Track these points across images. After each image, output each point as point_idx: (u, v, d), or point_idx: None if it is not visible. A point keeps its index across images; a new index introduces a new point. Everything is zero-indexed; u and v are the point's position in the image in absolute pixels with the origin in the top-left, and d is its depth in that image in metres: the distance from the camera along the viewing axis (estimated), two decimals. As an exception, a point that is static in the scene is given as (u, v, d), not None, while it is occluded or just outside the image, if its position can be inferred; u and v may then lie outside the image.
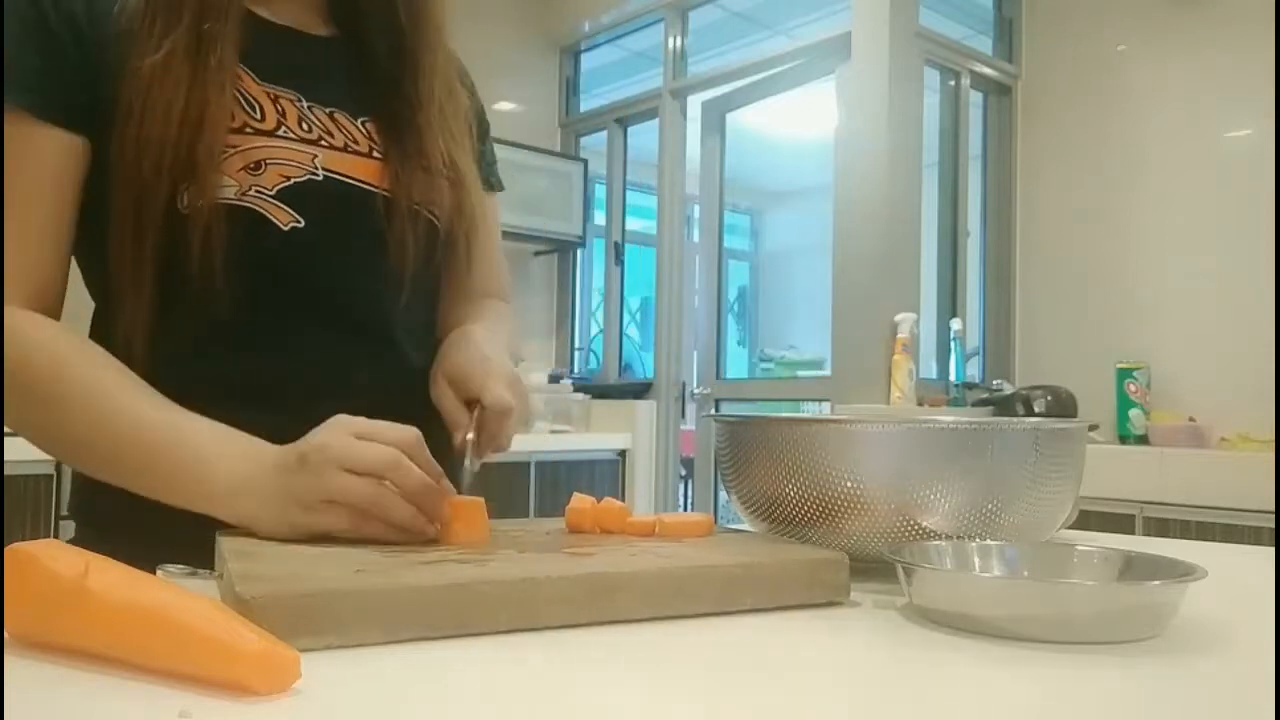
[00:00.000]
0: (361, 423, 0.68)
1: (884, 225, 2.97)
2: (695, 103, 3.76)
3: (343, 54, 0.89)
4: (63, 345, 0.75)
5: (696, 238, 4.00)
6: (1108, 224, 3.11)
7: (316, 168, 0.81)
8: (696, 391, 3.77)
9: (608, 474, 3.42)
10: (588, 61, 4.24)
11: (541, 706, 0.43)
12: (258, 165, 0.78)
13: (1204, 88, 2.92)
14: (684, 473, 4.02)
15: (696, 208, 3.95)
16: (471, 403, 0.79)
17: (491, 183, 1.03)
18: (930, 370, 3.27)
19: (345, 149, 0.84)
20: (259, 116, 0.80)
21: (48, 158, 0.76)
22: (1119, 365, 2.92)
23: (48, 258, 0.77)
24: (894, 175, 2.98)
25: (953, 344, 3.11)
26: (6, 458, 2.10)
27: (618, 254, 4.06)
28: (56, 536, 2.19)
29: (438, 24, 0.90)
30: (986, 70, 3.35)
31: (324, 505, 0.66)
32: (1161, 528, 2.43)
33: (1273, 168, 2.73)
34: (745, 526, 0.81)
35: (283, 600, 0.49)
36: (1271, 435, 2.60)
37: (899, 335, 2.91)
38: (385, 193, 0.85)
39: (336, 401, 0.74)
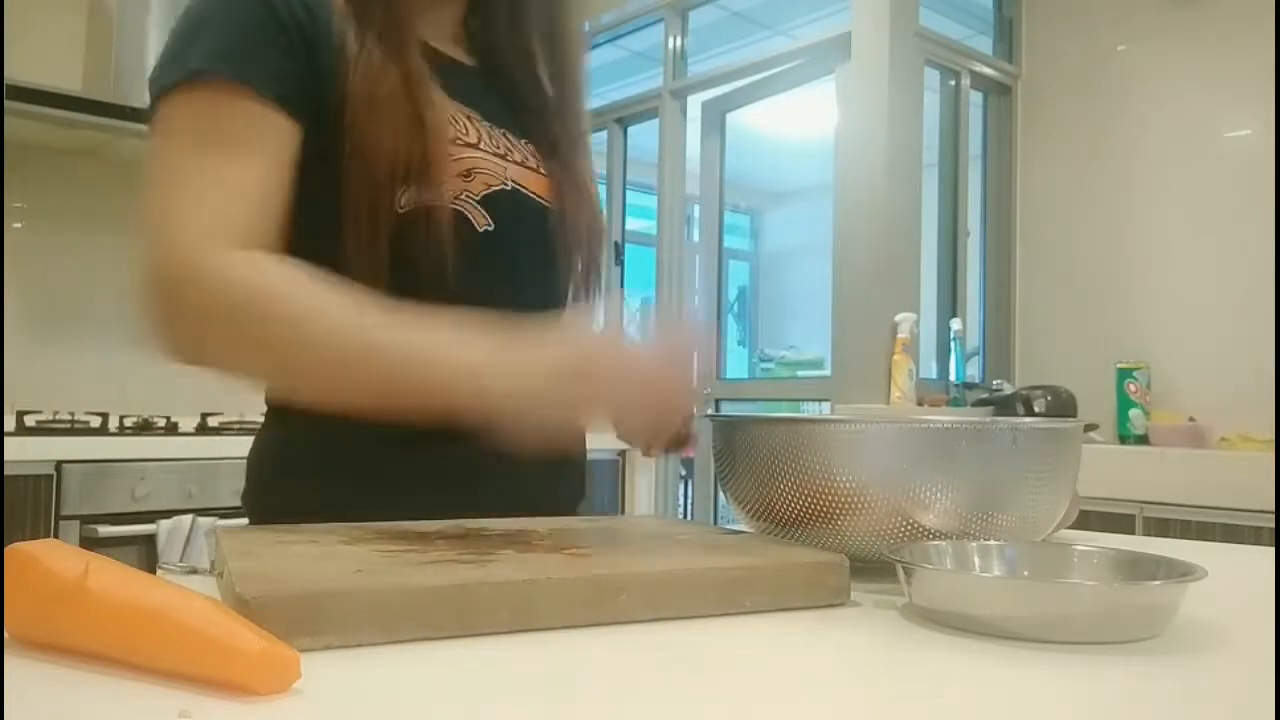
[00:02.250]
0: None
1: (884, 225, 2.97)
2: (695, 103, 3.75)
3: (491, 78, 0.97)
4: (295, 273, 0.75)
5: (696, 238, 4.00)
6: (1108, 224, 3.11)
7: (508, 180, 0.90)
8: (696, 391, 3.76)
9: (608, 474, 3.42)
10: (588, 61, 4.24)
11: (542, 708, 0.43)
12: (468, 173, 0.87)
13: (1204, 88, 2.92)
14: (684, 473, 4.02)
15: (696, 208, 3.95)
16: None
17: None
18: (930, 370, 3.26)
19: (523, 164, 0.93)
20: (464, 130, 0.88)
21: (271, 133, 0.80)
22: (1119, 365, 2.92)
23: (262, 217, 0.78)
24: (894, 175, 2.98)
25: (953, 344, 3.11)
26: (6, 458, 2.10)
27: (618, 254, 4.06)
28: (56, 536, 2.19)
29: (579, 62, 1.00)
30: (986, 70, 3.35)
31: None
32: (1161, 528, 2.43)
33: (1273, 168, 2.73)
34: (745, 527, 0.81)
35: (283, 600, 0.49)
36: (1271, 435, 2.60)
37: (899, 335, 2.91)
38: (554, 206, 0.94)
39: None
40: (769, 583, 0.62)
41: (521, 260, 0.92)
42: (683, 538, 0.73)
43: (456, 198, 0.85)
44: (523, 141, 0.95)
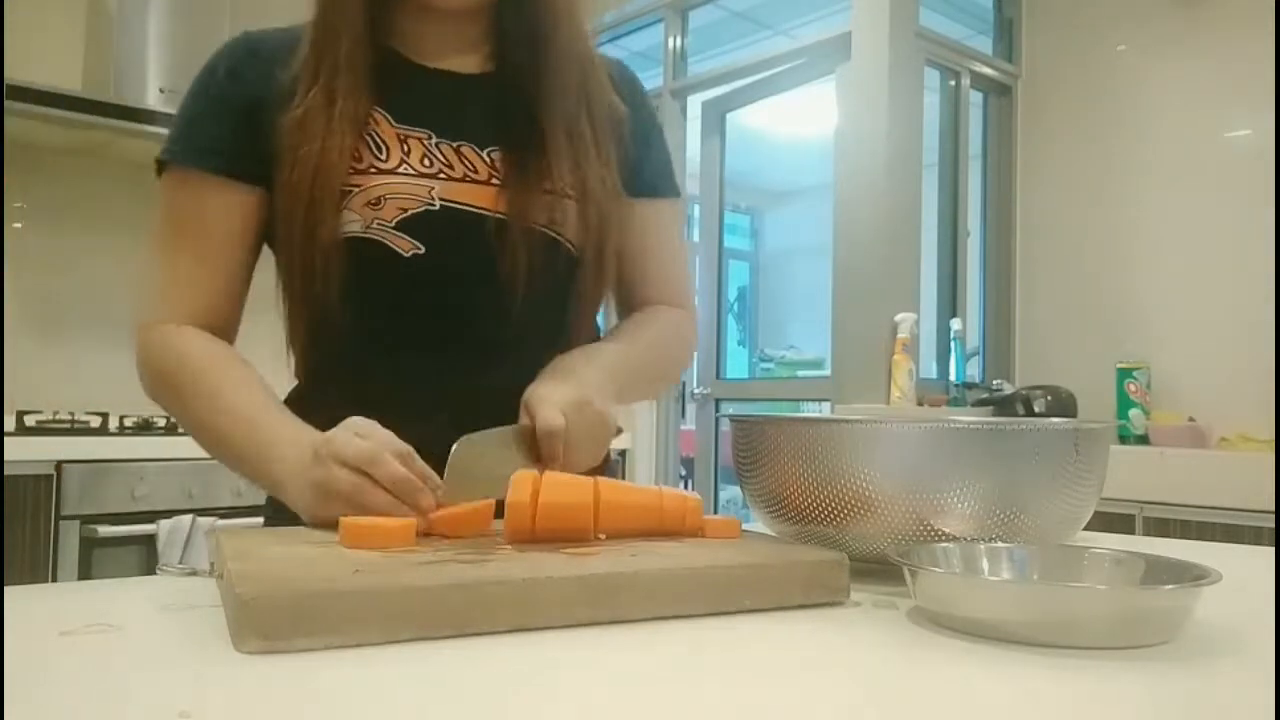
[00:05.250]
0: (365, 423, 0.77)
1: (884, 225, 2.97)
2: (695, 103, 3.75)
3: (487, 89, 0.96)
4: (195, 349, 0.89)
5: (696, 238, 4.00)
6: (1108, 224, 3.11)
7: (434, 199, 0.91)
8: (696, 391, 3.76)
9: (607, 474, 3.41)
10: (588, 61, 4.24)
11: (542, 706, 0.43)
12: (378, 201, 0.89)
13: (1204, 88, 2.92)
14: (684, 473, 4.02)
15: (696, 208, 3.95)
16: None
17: (659, 188, 1.09)
18: (930, 370, 3.27)
19: (464, 179, 0.92)
20: (384, 157, 0.90)
21: (218, 206, 0.91)
22: (1119, 365, 2.92)
23: (214, 287, 0.92)
24: (894, 175, 2.98)
25: (953, 344, 3.11)
26: (6, 458, 2.10)
27: (618, 254, 4.05)
28: (56, 536, 2.19)
29: (566, 44, 0.95)
30: (986, 70, 3.35)
31: (331, 494, 0.74)
32: (1161, 528, 2.43)
33: (1273, 168, 2.73)
34: (766, 529, 0.81)
35: (283, 600, 0.49)
36: (1271, 435, 2.60)
37: (899, 335, 2.91)
38: (499, 215, 0.92)
39: (448, 414, 0.83)
40: (769, 581, 0.62)
41: (460, 278, 0.92)
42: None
43: (369, 226, 0.89)
44: (487, 151, 0.93)
